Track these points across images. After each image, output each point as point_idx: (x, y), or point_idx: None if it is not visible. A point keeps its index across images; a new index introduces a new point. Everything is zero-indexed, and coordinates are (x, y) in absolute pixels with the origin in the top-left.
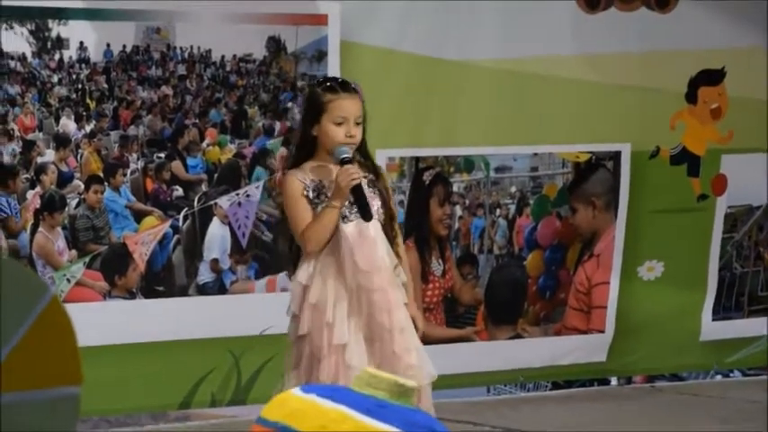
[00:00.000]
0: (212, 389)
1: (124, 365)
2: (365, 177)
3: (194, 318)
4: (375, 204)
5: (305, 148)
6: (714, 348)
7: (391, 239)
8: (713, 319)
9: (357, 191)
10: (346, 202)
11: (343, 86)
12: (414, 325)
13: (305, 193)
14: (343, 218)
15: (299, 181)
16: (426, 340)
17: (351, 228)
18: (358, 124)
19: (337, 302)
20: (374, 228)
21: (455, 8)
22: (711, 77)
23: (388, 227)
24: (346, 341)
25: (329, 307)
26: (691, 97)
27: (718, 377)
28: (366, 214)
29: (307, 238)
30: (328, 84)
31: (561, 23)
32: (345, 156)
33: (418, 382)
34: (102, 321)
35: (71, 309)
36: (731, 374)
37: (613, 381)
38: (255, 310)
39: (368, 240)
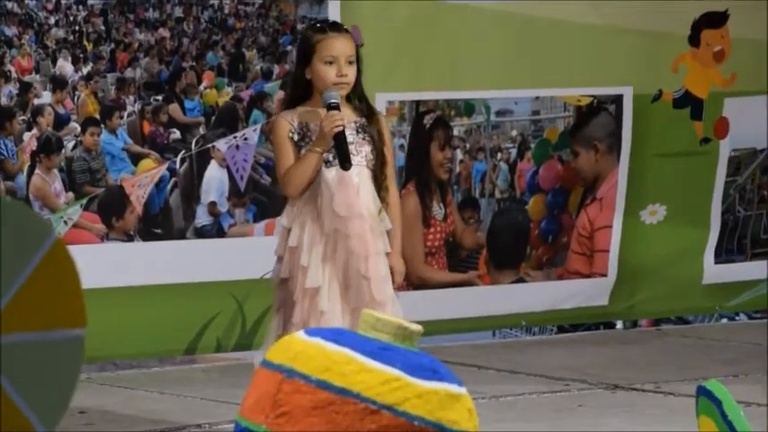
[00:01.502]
0: (217, 334)
1: (125, 309)
2: (356, 122)
3: (193, 261)
4: (363, 150)
5: (298, 90)
6: (717, 291)
7: (379, 186)
8: (716, 263)
9: (339, 138)
10: (329, 147)
11: (332, 26)
12: (391, 276)
13: (290, 135)
14: (326, 162)
15: (287, 123)
16: (429, 284)
17: (332, 173)
18: (351, 63)
19: (313, 246)
20: (358, 174)
21: None
22: (714, 20)
23: (378, 172)
24: (319, 285)
25: (304, 251)
26: (693, 40)
27: (724, 320)
28: (345, 162)
29: (286, 180)
30: (318, 25)
31: None
32: (333, 101)
33: None
34: (101, 264)
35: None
36: (737, 318)
37: (619, 324)
38: (255, 253)
39: (349, 186)
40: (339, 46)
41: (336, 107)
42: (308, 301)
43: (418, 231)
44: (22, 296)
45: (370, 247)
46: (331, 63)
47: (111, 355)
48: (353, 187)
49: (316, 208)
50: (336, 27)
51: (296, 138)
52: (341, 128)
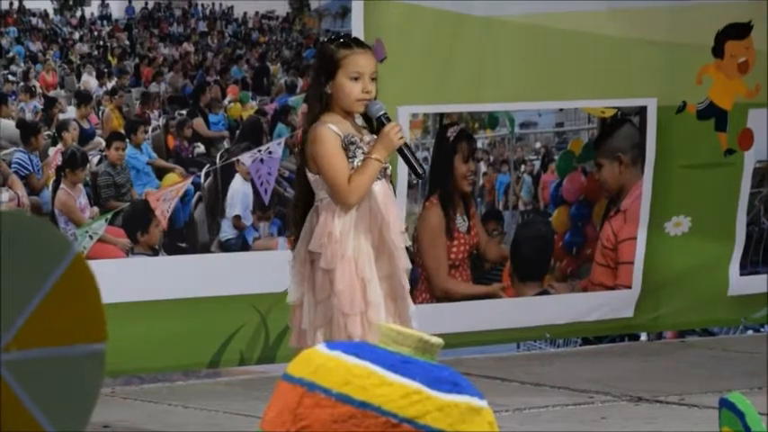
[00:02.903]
0: (241, 347)
1: (150, 323)
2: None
3: (218, 275)
4: (389, 166)
5: (319, 104)
6: (742, 303)
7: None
8: (741, 274)
9: (405, 148)
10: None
11: (356, 42)
12: None
13: (342, 145)
14: None
15: (334, 133)
16: (453, 297)
17: (378, 186)
18: (373, 80)
19: (369, 258)
20: (391, 188)
21: None
22: (738, 31)
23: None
24: (380, 298)
25: (365, 263)
26: (717, 51)
27: (749, 332)
28: (419, 169)
29: (353, 189)
30: (341, 40)
31: None
32: (383, 113)
33: None
34: (126, 278)
35: (93, 265)
36: (762, 329)
37: (643, 336)
38: (278, 266)
39: (393, 200)
40: (364, 62)
41: (388, 119)
42: (366, 315)
43: (442, 244)
44: (41, 311)
45: (405, 261)
46: (356, 79)
47: (134, 369)
48: (394, 201)
49: (366, 220)
50: (361, 43)
51: (344, 147)
52: (404, 138)
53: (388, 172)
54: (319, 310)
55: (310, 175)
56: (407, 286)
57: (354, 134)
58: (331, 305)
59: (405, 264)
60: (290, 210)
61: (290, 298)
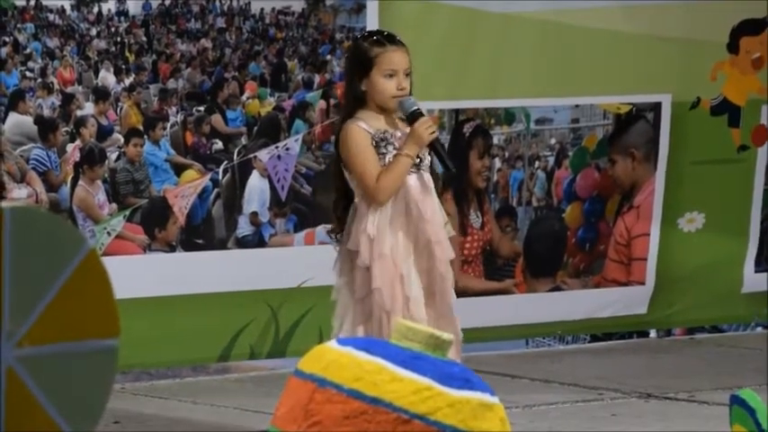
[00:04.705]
0: (251, 341)
1: (163, 318)
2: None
3: (233, 271)
4: (426, 158)
5: (354, 102)
6: (756, 300)
7: (439, 194)
8: (756, 271)
9: (436, 143)
10: (419, 153)
11: (389, 39)
12: None
13: (373, 142)
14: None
15: (364, 130)
16: (465, 292)
17: (413, 179)
18: (407, 75)
19: (407, 253)
20: (429, 180)
21: None
22: (753, 27)
23: (437, 182)
24: (418, 294)
25: (403, 259)
26: (732, 47)
27: (759, 329)
28: (450, 165)
29: (382, 187)
30: (375, 37)
31: None
32: (416, 108)
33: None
34: (143, 274)
35: (111, 262)
36: None
37: (652, 333)
38: (294, 263)
39: (431, 193)
40: (398, 59)
41: (421, 113)
42: (405, 311)
43: (455, 240)
44: (54, 307)
45: (448, 252)
46: (391, 76)
47: (144, 363)
48: (431, 193)
49: (402, 215)
50: (394, 40)
51: (374, 144)
52: (436, 133)
53: (426, 164)
54: (359, 308)
55: (346, 174)
56: (450, 278)
57: (388, 129)
58: (371, 302)
59: (446, 256)
60: (332, 206)
61: (334, 296)
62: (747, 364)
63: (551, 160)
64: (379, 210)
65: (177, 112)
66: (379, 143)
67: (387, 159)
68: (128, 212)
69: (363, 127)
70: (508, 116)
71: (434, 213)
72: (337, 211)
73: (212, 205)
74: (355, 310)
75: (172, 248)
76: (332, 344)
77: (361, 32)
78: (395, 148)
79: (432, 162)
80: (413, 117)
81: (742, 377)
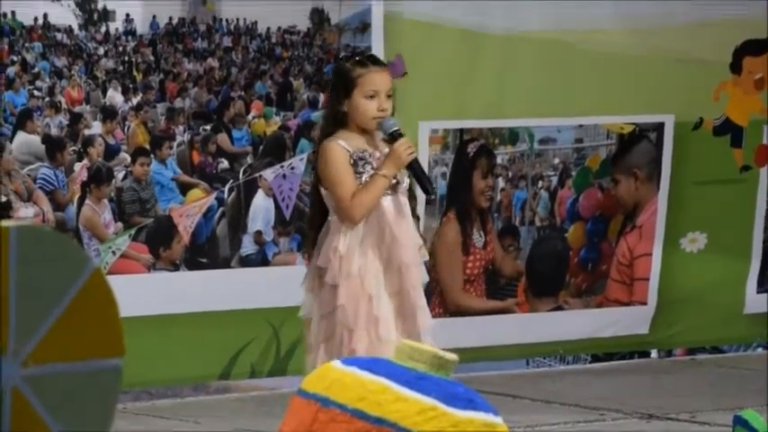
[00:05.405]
0: (252, 360)
1: (165, 336)
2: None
3: (235, 289)
4: (405, 180)
5: (335, 122)
6: (757, 321)
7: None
8: (758, 292)
9: (415, 164)
10: (396, 174)
11: (372, 60)
12: None
13: (350, 161)
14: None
15: (343, 149)
16: (467, 311)
17: (388, 201)
18: (389, 97)
19: (377, 274)
20: (405, 204)
21: None
22: (756, 47)
23: (414, 205)
24: (386, 314)
25: (371, 278)
26: (735, 68)
27: (760, 350)
28: (429, 186)
29: (355, 206)
30: (357, 58)
31: None
32: (396, 129)
33: None
34: (146, 293)
35: (116, 281)
36: None
37: (654, 353)
38: (296, 281)
39: (405, 215)
40: (380, 81)
41: (401, 135)
42: (372, 331)
43: (458, 259)
44: (59, 326)
45: (417, 277)
46: (372, 97)
47: (144, 382)
48: (406, 216)
49: (374, 235)
50: (377, 61)
51: (352, 163)
52: (415, 154)
53: (404, 187)
54: (322, 324)
55: (323, 191)
56: (421, 302)
57: (367, 149)
58: (334, 320)
59: (416, 280)
60: (306, 227)
61: (301, 312)
62: (749, 385)
63: (554, 180)
64: (352, 229)
65: (184, 132)
66: (357, 162)
67: (363, 178)
68: (133, 231)
69: (342, 145)
70: (512, 136)
71: (408, 237)
72: (312, 228)
73: (217, 224)
74: (319, 327)
75: (176, 267)
76: (336, 363)
77: (345, 53)
78: (373, 168)
79: (411, 185)
80: (392, 138)
81: (743, 398)
